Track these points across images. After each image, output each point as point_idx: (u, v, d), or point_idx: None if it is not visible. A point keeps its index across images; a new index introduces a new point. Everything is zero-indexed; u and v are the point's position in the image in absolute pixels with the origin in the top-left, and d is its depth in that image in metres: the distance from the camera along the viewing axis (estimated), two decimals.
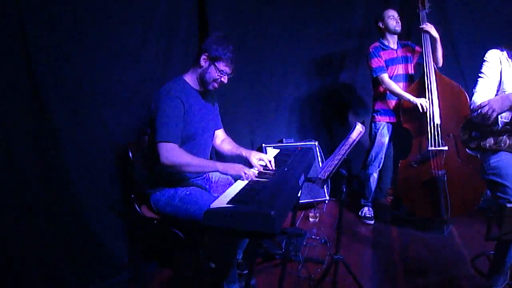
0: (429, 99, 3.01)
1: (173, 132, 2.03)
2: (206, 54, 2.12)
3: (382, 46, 3.23)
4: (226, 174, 2.14)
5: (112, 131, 2.37)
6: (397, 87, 3.13)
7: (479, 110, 2.07)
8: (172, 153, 2.00)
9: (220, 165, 2.07)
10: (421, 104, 2.98)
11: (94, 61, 2.22)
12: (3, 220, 1.86)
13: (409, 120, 3.15)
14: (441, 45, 3.07)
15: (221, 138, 2.46)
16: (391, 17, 3.17)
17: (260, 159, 2.20)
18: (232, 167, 2.07)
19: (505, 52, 2.19)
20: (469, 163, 2.94)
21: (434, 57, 3.09)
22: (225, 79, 2.18)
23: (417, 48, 3.24)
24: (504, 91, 2.14)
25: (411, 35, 3.44)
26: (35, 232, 2.00)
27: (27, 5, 1.83)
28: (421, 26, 3.04)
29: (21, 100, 1.90)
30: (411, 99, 3.03)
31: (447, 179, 2.96)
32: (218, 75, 2.14)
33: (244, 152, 2.32)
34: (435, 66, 3.07)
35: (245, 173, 2.02)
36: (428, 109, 2.98)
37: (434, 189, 2.99)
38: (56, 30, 1.99)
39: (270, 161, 2.17)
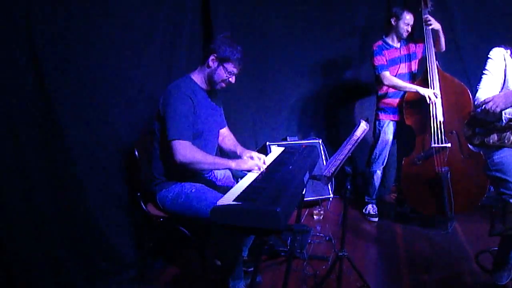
0: None
1: (185, 129, 2.07)
2: (215, 55, 2.14)
3: (385, 45, 3.23)
4: (239, 170, 2.16)
5: (118, 129, 2.39)
6: (400, 81, 3.13)
7: (483, 106, 2.08)
8: (187, 150, 2.04)
9: (232, 163, 2.11)
10: (428, 96, 2.97)
11: (99, 60, 2.24)
12: (11, 217, 1.88)
13: (412, 117, 3.16)
14: (443, 32, 3.11)
15: (224, 134, 2.50)
16: (407, 23, 3.17)
17: (251, 157, 2.24)
18: (244, 162, 2.12)
19: (509, 50, 2.20)
20: (472, 160, 2.95)
21: (438, 45, 3.12)
22: (232, 80, 2.22)
23: (419, 44, 3.25)
24: (508, 88, 2.15)
25: (413, 34, 3.44)
26: (42, 230, 2.02)
27: (33, 3, 1.85)
28: (425, 24, 3.05)
29: (28, 99, 1.92)
30: (418, 90, 3.02)
31: (451, 176, 2.97)
32: (226, 76, 2.18)
33: (239, 150, 2.39)
34: (437, 63, 3.07)
35: (257, 166, 2.10)
36: (434, 103, 2.98)
37: (438, 186, 3.00)
38: (62, 29, 2.01)
39: (260, 159, 2.21)
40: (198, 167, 2.10)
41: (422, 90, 3.00)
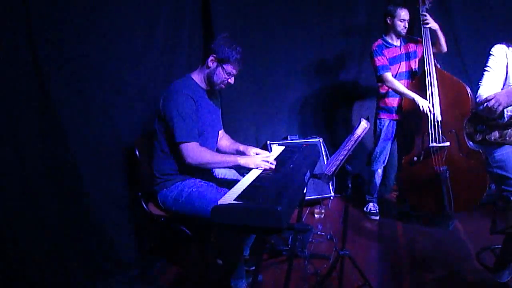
0: (430, 95, 3.00)
1: (192, 131, 2.09)
2: (214, 55, 2.14)
3: (385, 44, 3.22)
4: (246, 167, 2.14)
5: (119, 129, 2.39)
6: (401, 86, 3.12)
7: (485, 104, 2.07)
8: (196, 152, 2.07)
9: (241, 159, 2.10)
10: (422, 106, 2.97)
11: (100, 60, 2.24)
12: (12, 216, 1.88)
13: (411, 116, 3.14)
14: (442, 33, 3.07)
15: (220, 136, 2.49)
16: (402, 20, 3.14)
17: (257, 154, 2.23)
18: (252, 160, 2.09)
19: (511, 47, 2.19)
20: (471, 158, 2.93)
21: (438, 45, 3.09)
22: (232, 80, 2.22)
23: (420, 44, 3.21)
24: (510, 86, 2.15)
25: (413, 31, 3.44)
26: (43, 229, 2.02)
27: (34, 4, 1.85)
28: (422, 23, 3.02)
29: (30, 100, 1.91)
30: (415, 99, 3.01)
31: (450, 174, 2.95)
32: (225, 77, 2.17)
33: (242, 147, 2.38)
34: (435, 61, 3.06)
35: (265, 163, 2.06)
36: (430, 110, 2.97)
37: (437, 184, 2.99)
38: (63, 30, 2.01)
39: (267, 156, 2.19)
40: (208, 167, 2.14)
41: (419, 101, 2.99)
